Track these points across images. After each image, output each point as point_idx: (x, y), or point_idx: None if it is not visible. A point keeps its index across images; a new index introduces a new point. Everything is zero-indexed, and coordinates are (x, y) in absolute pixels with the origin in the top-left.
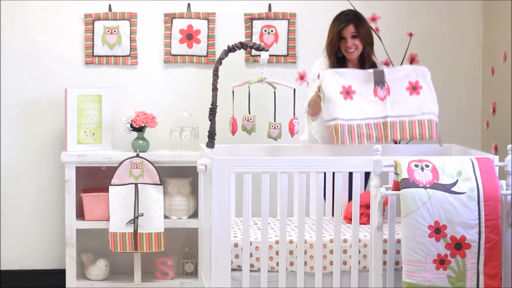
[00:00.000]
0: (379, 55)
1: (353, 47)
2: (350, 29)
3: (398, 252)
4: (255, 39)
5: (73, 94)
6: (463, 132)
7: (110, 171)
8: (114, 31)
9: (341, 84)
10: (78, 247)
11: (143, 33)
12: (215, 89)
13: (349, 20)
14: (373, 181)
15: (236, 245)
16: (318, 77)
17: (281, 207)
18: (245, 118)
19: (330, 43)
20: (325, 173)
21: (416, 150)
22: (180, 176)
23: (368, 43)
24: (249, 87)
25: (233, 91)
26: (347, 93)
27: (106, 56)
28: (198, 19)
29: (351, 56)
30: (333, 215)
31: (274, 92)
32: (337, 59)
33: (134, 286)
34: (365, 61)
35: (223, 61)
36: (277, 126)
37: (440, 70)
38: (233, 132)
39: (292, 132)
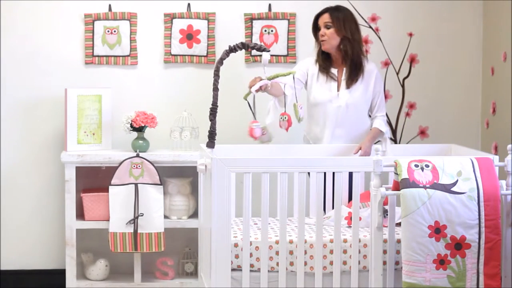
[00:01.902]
0: (379, 55)
1: (325, 37)
2: (324, 18)
3: (398, 252)
4: (255, 39)
5: (73, 94)
6: (463, 132)
7: (110, 171)
8: (114, 31)
9: None
10: (78, 247)
11: (143, 33)
12: (215, 89)
13: (326, 10)
14: (373, 181)
15: (236, 245)
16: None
17: (281, 207)
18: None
19: (313, 35)
20: (325, 173)
21: (416, 150)
22: (180, 176)
23: (347, 39)
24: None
25: (254, 95)
26: None
27: (106, 56)
28: (198, 19)
29: (324, 47)
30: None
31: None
32: (323, 55)
33: (134, 286)
34: (347, 58)
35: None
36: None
37: (440, 70)
38: (255, 137)
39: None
